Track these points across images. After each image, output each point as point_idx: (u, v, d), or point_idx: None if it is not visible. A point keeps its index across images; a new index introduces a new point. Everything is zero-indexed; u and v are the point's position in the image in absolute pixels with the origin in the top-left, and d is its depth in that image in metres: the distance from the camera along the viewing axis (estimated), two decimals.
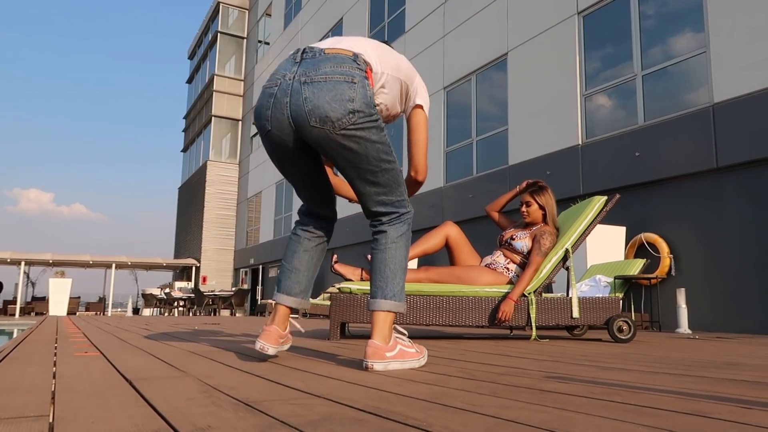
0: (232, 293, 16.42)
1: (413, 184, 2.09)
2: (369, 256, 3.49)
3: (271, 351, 1.92)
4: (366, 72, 1.79)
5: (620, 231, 7.01)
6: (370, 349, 1.76)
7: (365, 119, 1.74)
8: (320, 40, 16.92)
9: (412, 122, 2.00)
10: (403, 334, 1.97)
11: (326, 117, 1.70)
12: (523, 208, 3.74)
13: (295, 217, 17.65)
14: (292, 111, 1.74)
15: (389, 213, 1.91)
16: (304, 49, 1.82)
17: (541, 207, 3.67)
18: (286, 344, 2.08)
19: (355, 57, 1.79)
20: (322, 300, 10.99)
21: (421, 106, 1.98)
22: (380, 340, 1.78)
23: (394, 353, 1.79)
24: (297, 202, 17.71)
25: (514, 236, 3.66)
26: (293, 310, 2.11)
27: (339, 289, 3.39)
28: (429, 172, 11.17)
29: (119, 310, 25.45)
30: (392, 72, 1.90)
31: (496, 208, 3.88)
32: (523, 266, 3.58)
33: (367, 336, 3.75)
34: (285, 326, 2.03)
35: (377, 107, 1.89)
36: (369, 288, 3.32)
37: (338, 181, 2.30)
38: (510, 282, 3.51)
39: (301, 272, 2.04)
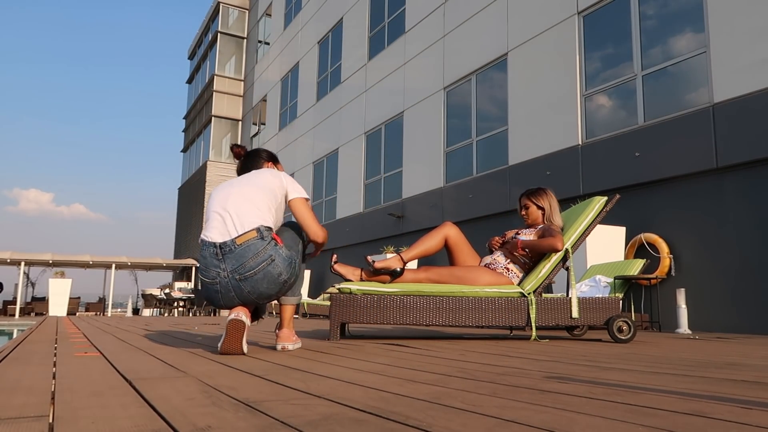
0: None
1: (317, 244, 2.62)
2: (369, 257, 3.49)
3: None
4: (273, 236, 2.33)
5: (620, 231, 7.01)
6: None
7: (291, 273, 2.36)
8: (319, 41, 16.95)
9: (295, 212, 2.54)
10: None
11: (268, 296, 2.34)
12: (523, 212, 3.75)
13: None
14: (240, 298, 2.30)
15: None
16: (220, 245, 2.27)
17: (540, 207, 3.68)
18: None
19: (261, 234, 2.29)
20: (322, 300, 11.00)
21: (295, 198, 2.51)
22: (288, 328, 2.57)
23: (295, 338, 2.57)
24: None
25: (518, 232, 3.67)
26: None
27: (339, 289, 3.39)
28: (430, 172, 11.17)
29: (119, 310, 25.44)
30: (276, 203, 2.44)
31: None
32: (523, 265, 3.58)
33: (368, 336, 3.75)
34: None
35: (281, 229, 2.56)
36: (369, 288, 3.33)
37: None
38: (510, 282, 3.51)
39: None
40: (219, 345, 2.29)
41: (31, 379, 1.49)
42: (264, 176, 2.47)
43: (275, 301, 2.53)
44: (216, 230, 2.32)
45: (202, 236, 2.37)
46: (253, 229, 2.28)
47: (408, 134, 12.10)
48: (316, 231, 2.53)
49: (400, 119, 12.48)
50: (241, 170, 2.69)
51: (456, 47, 10.82)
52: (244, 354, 2.25)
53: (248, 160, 2.69)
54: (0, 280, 16.82)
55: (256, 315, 2.54)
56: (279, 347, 2.51)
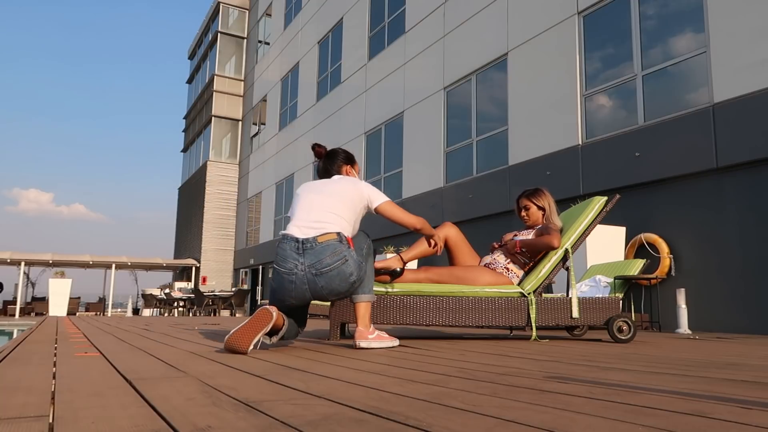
0: (232, 293, 16.42)
1: (420, 231, 2.90)
2: None
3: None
4: (348, 242, 2.56)
5: (620, 231, 7.01)
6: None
7: (360, 274, 2.58)
8: (319, 41, 16.95)
9: (386, 216, 2.77)
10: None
11: (338, 292, 2.55)
12: (522, 213, 3.73)
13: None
14: (312, 293, 2.51)
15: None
16: (302, 241, 2.49)
17: (541, 208, 3.68)
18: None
19: (340, 237, 2.52)
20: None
21: (381, 204, 2.74)
22: (363, 326, 2.66)
23: (374, 336, 2.66)
24: None
25: (517, 234, 3.67)
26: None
27: None
28: (430, 172, 11.18)
29: (119, 310, 25.44)
30: (356, 213, 2.68)
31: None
32: (523, 265, 3.58)
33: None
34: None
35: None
36: None
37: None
38: (510, 282, 3.51)
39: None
40: (228, 335, 2.31)
41: (31, 379, 1.49)
42: (346, 188, 2.68)
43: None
44: (299, 229, 2.55)
45: (283, 232, 2.58)
46: (333, 232, 2.52)
47: (408, 134, 12.10)
48: (412, 222, 2.80)
49: (400, 119, 12.48)
50: (323, 171, 2.91)
51: (456, 47, 10.82)
52: (245, 354, 2.25)
53: (328, 160, 2.90)
54: (0, 280, 16.81)
55: (275, 332, 2.53)
56: (361, 344, 2.63)
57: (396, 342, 2.73)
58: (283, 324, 2.52)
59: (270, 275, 2.59)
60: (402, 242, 11.62)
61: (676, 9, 6.99)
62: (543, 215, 3.68)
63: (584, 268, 6.73)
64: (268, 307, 2.39)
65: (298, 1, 19.41)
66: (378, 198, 2.73)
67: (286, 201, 18.72)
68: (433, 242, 3.03)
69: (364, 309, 2.69)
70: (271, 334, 2.52)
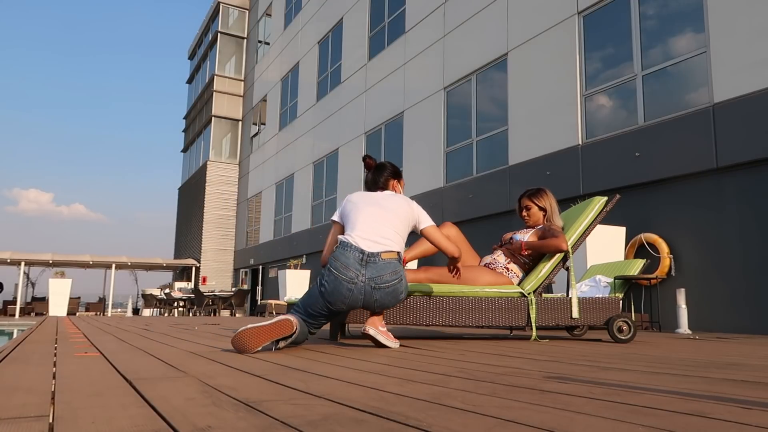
0: (232, 293, 16.42)
1: (454, 260, 3.06)
2: None
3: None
4: (404, 262, 2.78)
5: (620, 231, 7.01)
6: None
7: (405, 293, 2.77)
8: (319, 42, 16.95)
9: (430, 239, 2.93)
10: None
11: (387, 306, 2.71)
12: (524, 213, 3.73)
13: (295, 218, 17.67)
14: (365, 303, 2.65)
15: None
16: (368, 254, 2.62)
17: (542, 208, 3.67)
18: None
19: (399, 258, 2.71)
20: None
21: (427, 227, 2.90)
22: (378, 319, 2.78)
23: (384, 330, 2.76)
24: (297, 203, 17.72)
25: (516, 233, 3.67)
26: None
27: None
28: (430, 172, 11.18)
29: (119, 310, 25.44)
30: (408, 230, 2.85)
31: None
32: (523, 265, 3.58)
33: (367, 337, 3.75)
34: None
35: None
36: None
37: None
38: (510, 282, 3.50)
39: None
40: (243, 328, 2.34)
41: (31, 379, 1.49)
42: (401, 205, 2.83)
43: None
44: (364, 241, 2.66)
45: (346, 238, 2.67)
46: (395, 251, 2.69)
47: (408, 134, 12.10)
48: (451, 250, 2.95)
49: (400, 119, 12.48)
50: (371, 182, 3.04)
51: (456, 47, 10.82)
52: (248, 353, 2.25)
53: (377, 172, 3.04)
54: (0, 280, 16.81)
55: (285, 337, 2.52)
56: (363, 329, 2.73)
57: (397, 344, 2.78)
58: (295, 331, 2.52)
59: (322, 277, 2.63)
60: None
61: (676, 9, 6.99)
62: (544, 216, 3.67)
63: (584, 268, 6.73)
64: (291, 318, 2.46)
65: (298, 1, 19.41)
66: (426, 221, 2.89)
67: (286, 201, 18.72)
68: (455, 270, 3.11)
69: (383, 312, 2.86)
70: (279, 339, 2.52)
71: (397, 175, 3.07)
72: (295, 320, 2.49)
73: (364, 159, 3.10)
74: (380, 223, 2.73)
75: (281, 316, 2.46)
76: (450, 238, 3.58)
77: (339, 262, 2.61)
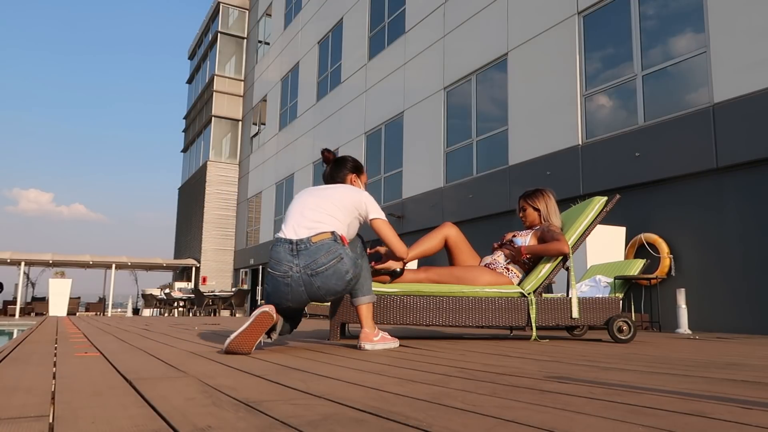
0: (232, 293, 16.42)
1: (400, 260, 2.97)
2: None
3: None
4: (342, 240, 2.51)
5: (620, 231, 7.01)
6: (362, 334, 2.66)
7: (356, 271, 2.54)
8: (319, 41, 16.95)
9: (378, 232, 2.75)
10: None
11: (335, 291, 2.49)
12: (520, 214, 3.76)
13: None
14: (309, 294, 2.46)
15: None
16: (296, 242, 2.46)
17: (536, 209, 3.67)
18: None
19: (334, 237, 2.49)
20: None
21: (375, 218, 2.70)
22: (368, 328, 2.69)
23: (379, 338, 2.68)
24: None
25: (516, 235, 3.67)
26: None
27: None
28: (430, 172, 11.18)
29: (119, 310, 25.44)
30: (351, 217, 2.63)
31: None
32: (523, 265, 3.58)
33: None
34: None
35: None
36: None
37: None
38: (510, 282, 3.51)
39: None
40: (229, 339, 2.29)
41: (31, 379, 1.49)
42: (345, 193, 2.66)
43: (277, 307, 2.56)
44: (293, 229, 2.51)
45: (277, 234, 2.55)
46: (327, 231, 2.49)
47: (408, 134, 12.10)
48: (400, 249, 2.85)
49: (400, 119, 12.48)
50: (328, 176, 2.89)
51: (456, 47, 10.82)
52: (245, 354, 2.25)
53: (335, 167, 2.89)
54: (0, 280, 16.80)
55: (272, 328, 2.52)
56: (366, 347, 2.64)
57: (397, 343, 2.75)
58: (276, 320, 2.49)
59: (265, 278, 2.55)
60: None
61: (676, 9, 6.99)
62: (539, 216, 3.68)
63: (584, 268, 6.73)
64: (267, 309, 2.37)
65: (298, 1, 19.41)
66: (376, 212, 2.70)
67: (286, 201, 18.72)
68: (400, 266, 3.19)
69: (366, 310, 2.69)
70: (268, 331, 2.51)
71: (357, 170, 2.92)
72: (272, 308, 2.41)
73: (322, 152, 2.95)
74: (312, 210, 2.56)
75: (258, 311, 2.36)
76: (450, 238, 3.58)
77: (273, 260, 2.49)
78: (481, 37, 10.15)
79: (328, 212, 2.56)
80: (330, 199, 2.61)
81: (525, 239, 3.59)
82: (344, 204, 2.62)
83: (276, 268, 2.46)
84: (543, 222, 3.67)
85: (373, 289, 3.35)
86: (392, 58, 13.01)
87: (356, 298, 2.70)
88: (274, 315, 2.37)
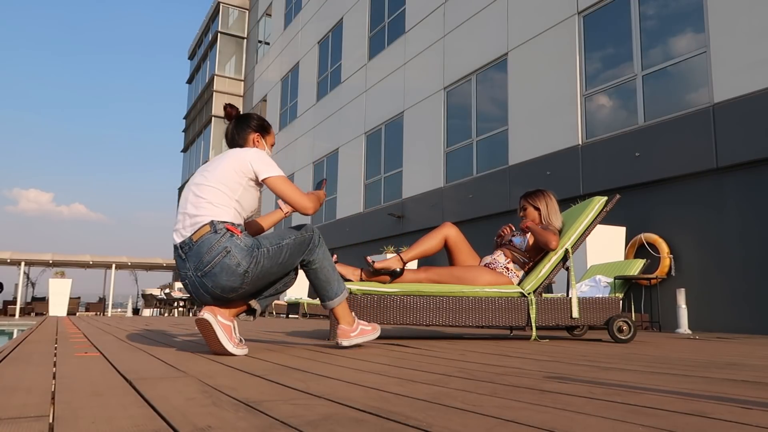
0: None
1: (305, 214, 2.46)
2: (368, 257, 3.49)
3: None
4: (227, 227, 2.21)
5: (620, 231, 7.01)
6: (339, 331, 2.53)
7: (251, 262, 2.20)
8: (319, 41, 16.95)
9: (274, 191, 2.36)
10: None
11: (232, 288, 2.22)
12: (521, 213, 3.79)
13: (295, 218, 17.67)
14: (210, 295, 2.25)
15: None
16: (180, 245, 2.26)
17: (536, 208, 3.69)
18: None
19: (214, 228, 2.19)
20: None
21: (267, 177, 2.33)
22: (346, 324, 2.54)
23: (356, 332, 2.54)
24: None
25: (514, 234, 3.69)
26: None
27: None
28: (430, 172, 11.18)
29: (119, 310, 25.44)
30: (239, 188, 2.29)
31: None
32: (522, 265, 3.58)
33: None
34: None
35: (250, 217, 2.44)
36: (369, 288, 3.33)
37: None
38: (510, 282, 3.51)
39: None
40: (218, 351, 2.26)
41: (31, 379, 1.49)
42: (228, 162, 2.31)
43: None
44: (177, 232, 2.30)
45: None
46: (206, 224, 2.21)
47: (408, 134, 12.10)
48: (301, 204, 2.35)
49: (400, 119, 12.48)
50: (229, 137, 2.54)
51: (456, 47, 10.82)
52: (234, 354, 2.22)
53: (237, 125, 2.52)
54: (0, 280, 16.81)
55: (251, 311, 2.47)
56: (344, 343, 2.52)
57: (377, 332, 2.60)
58: (244, 305, 2.40)
59: None
60: (402, 242, 11.62)
61: (676, 9, 6.99)
62: (540, 216, 3.70)
63: (584, 268, 6.73)
64: (198, 317, 2.22)
65: (298, 1, 19.41)
66: (268, 169, 2.32)
67: None
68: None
69: (341, 309, 2.52)
70: (248, 314, 2.45)
71: (262, 129, 2.55)
72: (207, 312, 2.24)
73: (224, 107, 2.54)
74: (192, 203, 2.27)
75: (196, 319, 2.24)
76: (450, 238, 3.58)
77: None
78: (481, 37, 10.15)
79: (208, 198, 2.25)
80: (211, 179, 2.28)
81: (523, 239, 3.60)
82: (226, 176, 2.28)
83: (180, 277, 2.31)
84: (542, 222, 3.68)
85: (373, 289, 3.35)
86: (392, 58, 13.01)
87: (325, 302, 2.50)
88: (211, 319, 2.20)
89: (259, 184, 2.36)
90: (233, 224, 2.24)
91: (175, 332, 4.12)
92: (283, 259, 2.32)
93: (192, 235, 2.22)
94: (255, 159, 2.32)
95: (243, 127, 2.52)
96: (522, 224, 3.68)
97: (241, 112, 2.64)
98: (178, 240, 2.27)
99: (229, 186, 2.27)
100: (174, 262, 2.50)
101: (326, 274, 2.47)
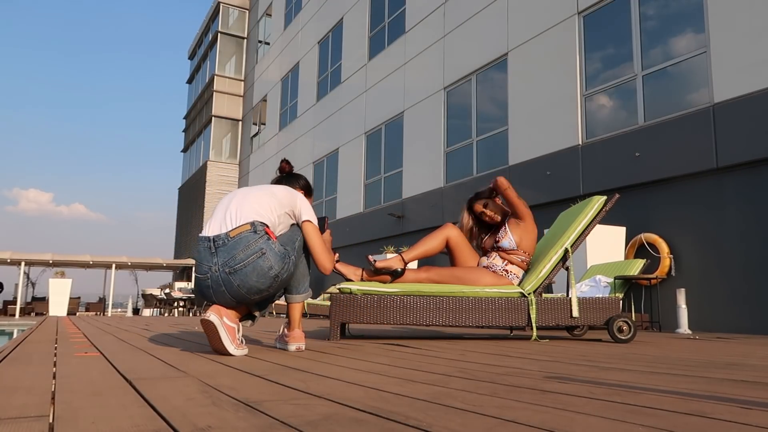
0: None
1: (320, 270, 2.59)
2: (370, 257, 3.49)
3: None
4: (266, 232, 2.28)
5: (620, 231, 7.01)
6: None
7: (283, 267, 2.29)
8: (319, 41, 16.95)
9: (305, 235, 2.50)
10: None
11: (258, 290, 2.25)
12: (486, 217, 3.65)
13: None
14: (232, 294, 2.23)
15: None
16: (213, 239, 2.26)
17: (491, 195, 3.63)
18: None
19: (254, 228, 2.25)
20: (322, 300, 10.99)
21: (308, 221, 2.49)
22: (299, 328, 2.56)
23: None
24: None
25: (497, 239, 3.58)
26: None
27: (339, 289, 3.39)
28: (430, 172, 11.18)
29: (119, 310, 25.44)
30: (282, 211, 2.42)
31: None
32: (521, 264, 3.58)
33: (368, 336, 3.75)
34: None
35: (280, 233, 2.46)
36: (369, 288, 3.33)
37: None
38: (510, 283, 3.50)
39: None
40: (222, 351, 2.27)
41: (31, 379, 1.49)
42: (278, 191, 2.47)
43: (278, 302, 2.53)
44: (213, 225, 2.32)
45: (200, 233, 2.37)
46: (247, 223, 2.26)
47: (408, 134, 12.10)
48: (323, 260, 2.51)
49: (400, 119, 12.47)
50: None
51: (456, 47, 10.82)
52: (232, 355, 2.21)
53: (288, 180, 2.76)
54: (0, 280, 16.81)
55: (250, 316, 2.50)
56: (293, 348, 2.50)
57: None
58: (244, 309, 2.41)
59: None
60: (402, 242, 11.63)
61: (676, 9, 6.99)
62: (499, 200, 3.63)
63: (584, 268, 6.73)
64: (204, 317, 2.21)
65: (298, 1, 19.41)
66: (308, 215, 2.49)
67: None
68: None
69: (299, 310, 2.54)
70: (246, 318, 2.48)
71: (307, 189, 2.77)
72: (213, 313, 2.23)
73: (281, 162, 2.83)
74: (238, 206, 2.34)
75: (201, 319, 2.25)
76: (451, 239, 3.58)
77: (195, 260, 2.31)
78: (481, 37, 10.15)
79: (254, 205, 2.34)
80: (259, 192, 2.41)
81: (508, 239, 3.51)
82: (276, 197, 2.42)
83: (198, 269, 2.29)
84: (505, 206, 3.63)
85: (374, 289, 3.35)
86: (392, 58, 13.01)
87: (290, 295, 2.51)
88: (214, 318, 2.20)
89: (293, 221, 2.51)
90: (272, 230, 2.35)
91: (175, 332, 4.12)
92: (295, 268, 2.46)
93: (230, 231, 2.25)
94: (303, 201, 2.52)
95: (293, 183, 2.75)
96: (493, 206, 3.59)
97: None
98: (212, 233, 2.29)
99: (275, 205, 2.40)
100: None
101: (301, 271, 2.55)
